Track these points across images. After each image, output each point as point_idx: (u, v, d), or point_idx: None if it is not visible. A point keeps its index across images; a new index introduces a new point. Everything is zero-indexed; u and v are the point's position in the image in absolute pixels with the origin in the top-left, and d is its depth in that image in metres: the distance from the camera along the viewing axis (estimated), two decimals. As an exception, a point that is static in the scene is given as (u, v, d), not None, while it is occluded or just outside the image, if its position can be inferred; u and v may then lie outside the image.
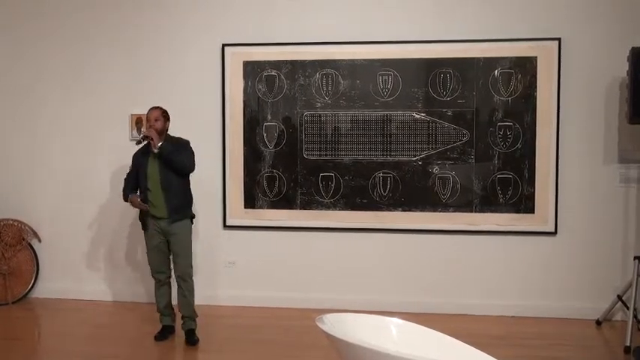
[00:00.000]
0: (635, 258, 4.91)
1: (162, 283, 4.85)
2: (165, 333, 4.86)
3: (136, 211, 5.63)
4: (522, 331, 5.02)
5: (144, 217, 4.79)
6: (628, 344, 4.52)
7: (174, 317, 4.92)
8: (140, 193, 4.76)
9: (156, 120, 4.67)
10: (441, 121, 5.42)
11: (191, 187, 4.92)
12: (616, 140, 5.27)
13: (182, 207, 4.79)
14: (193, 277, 4.89)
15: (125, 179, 4.93)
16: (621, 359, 4.44)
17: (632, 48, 4.81)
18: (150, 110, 4.75)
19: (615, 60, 5.08)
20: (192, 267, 4.85)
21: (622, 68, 4.97)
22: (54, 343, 5.00)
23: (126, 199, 4.84)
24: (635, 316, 4.75)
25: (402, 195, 5.50)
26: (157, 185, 4.69)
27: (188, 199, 4.88)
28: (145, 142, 4.68)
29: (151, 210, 4.71)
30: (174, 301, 4.92)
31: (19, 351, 4.71)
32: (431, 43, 5.40)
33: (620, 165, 5.28)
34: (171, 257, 4.85)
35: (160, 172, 4.69)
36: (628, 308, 4.82)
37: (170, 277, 4.88)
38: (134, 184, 4.85)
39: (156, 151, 4.60)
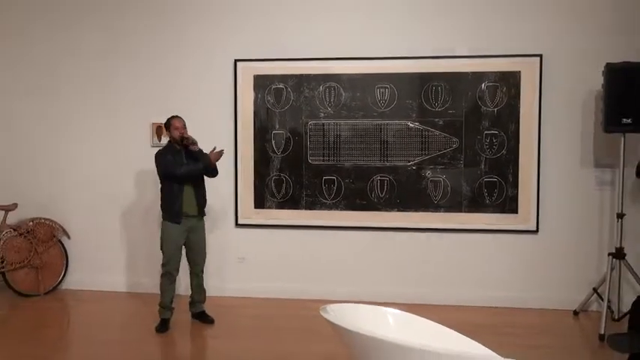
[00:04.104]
0: (609, 254, 4.94)
1: (173, 279, 4.79)
2: (165, 325, 4.78)
3: (156, 209, 5.70)
4: (506, 320, 5.04)
5: (179, 213, 4.69)
6: (602, 332, 4.54)
7: (173, 311, 4.89)
8: (171, 192, 4.71)
9: (183, 127, 4.75)
10: (433, 130, 5.43)
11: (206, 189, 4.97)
12: (592, 147, 5.28)
13: (205, 206, 4.89)
14: (207, 271, 5.00)
15: (167, 162, 4.68)
16: (596, 346, 4.45)
17: (607, 63, 4.82)
18: (174, 118, 4.77)
19: (591, 74, 5.08)
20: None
21: (597, 82, 4.97)
22: (81, 330, 5.02)
23: (180, 171, 4.64)
24: (608, 307, 4.76)
25: (397, 197, 5.51)
26: (190, 184, 4.74)
27: (206, 199, 4.93)
28: (182, 143, 4.73)
29: (185, 207, 4.72)
30: (187, 291, 5.02)
31: (49, 338, 4.74)
32: (424, 59, 5.41)
33: (596, 169, 5.29)
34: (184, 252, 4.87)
35: None
36: (602, 300, 4.84)
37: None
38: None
39: (197, 149, 4.71)
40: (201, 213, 4.84)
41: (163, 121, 5.68)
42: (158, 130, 5.78)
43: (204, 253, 4.93)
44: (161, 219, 4.86)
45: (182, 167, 4.68)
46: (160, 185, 4.84)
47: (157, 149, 5.59)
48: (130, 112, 5.84)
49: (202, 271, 4.94)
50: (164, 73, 5.79)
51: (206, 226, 4.98)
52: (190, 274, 4.95)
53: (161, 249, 4.80)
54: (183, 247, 4.84)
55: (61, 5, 5.90)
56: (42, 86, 5.97)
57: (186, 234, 4.77)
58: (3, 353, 4.38)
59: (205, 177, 4.88)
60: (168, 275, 4.77)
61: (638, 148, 4.99)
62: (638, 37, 5.14)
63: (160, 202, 4.85)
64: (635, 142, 5.04)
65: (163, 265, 4.78)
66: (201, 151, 4.80)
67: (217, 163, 4.84)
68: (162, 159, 4.73)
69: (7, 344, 4.56)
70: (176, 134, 4.73)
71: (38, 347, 4.47)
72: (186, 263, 4.94)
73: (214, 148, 4.83)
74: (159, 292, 4.84)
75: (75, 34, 5.89)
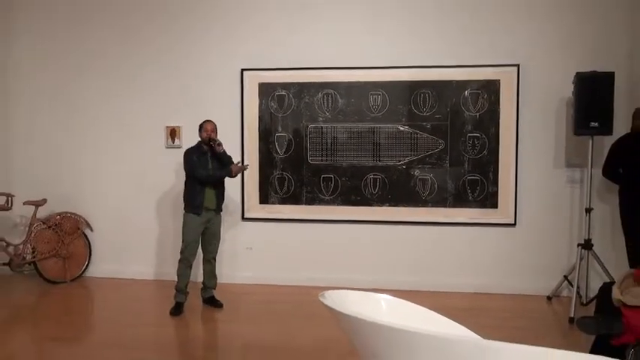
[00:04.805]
0: (578, 245, 4.98)
1: (189, 264, 4.85)
2: (180, 309, 4.82)
3: (169, 204, 5.73)
4: (487, 305, 5.07)
5: (200, 206, 4.76)
6: (572, 316, 4.57)
7: (187, 295, 4.92)
8: (194, 188, 4.76)
9: (212, 130, 4.79)
10: (421, 133, 5.47)
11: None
12: (564, 148, 5.32)
13: (223, 201, 4.94)
14: (216, 260, 5.02)
15: (193, 163, 4.72)
16: (567, 328, 4.48)
17: (577, 73, 4.87)
18: (207, 122, 4.82)
19: (563, 83, 5.11)
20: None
21: (569, 90, 5.02)
22: (103, 313, 5.06)
23: (201, 175, 4.69)
24: (578, 293, 4.82)
25: (389, 193, 5.54)
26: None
27: (224, 197, 4.99)
28: (208, 145, 4.78)
29: (206, 202, 4.78)
30: (200, 278, 5.07)
31: (75, 320, 4.79)
32: (413, 68, 5.44)
33: (567, 169, 5.32)
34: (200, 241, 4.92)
35: (213, 171, 4.81)
36: (572, 286, 4.89)
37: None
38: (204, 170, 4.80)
39: (221, 150, 4.76)
40: (219, 208, 4.89)
41: (177, 124, 5.79)
42: (172, 133, 5.81)
43: (218, 243, 4.97)
44: (183, 211, 4.87)
45: (203, 172, 4.74)
46: (184, 180, 4.89)
47: (170, 149, 5.66)
48: (147, 116, 5.86)
49: (214, 259, 4.97)
50: (177, 82, 5.81)
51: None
52: (203, 260, 4.99)
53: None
54: (201, 236, 4.90)
55: (86, 21, 5.94)
56: (69, 95, 6.01)
57: (204, 225, 4.83)
58: (34, 334, 4.44)
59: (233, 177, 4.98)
60: (185, 261, 4.83)
61: (604, 149, 5.02)
62: (604, 50, 5.18)
63: (182, 195, 4.89)
64: (602, 144, 5.08)
65: (181, 251, 4.84)
66: (224, 152, 4.84)
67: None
68: (189, 158, 4.80)
69: (37, 326, 4.62)
70: (204, 136, 4.80)
71: (65, 329, 4.52)
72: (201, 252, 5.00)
73: (239, 162, 4.91)
74: (174, 280, 4.89)
75: (99, 45, 5.93)
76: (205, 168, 4.78)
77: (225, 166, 4.85)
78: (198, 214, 4.78)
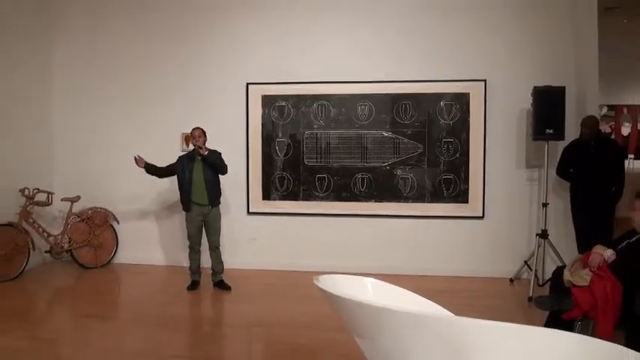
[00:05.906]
0: (536, 235, 5.00)
1: (195, 251, 4.92)
2: (195, 286, 4.96)
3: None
4: (459, 286, 5.07)
5: (188, 203, 4.81)
6: (530, 295, 4.62)
7: (201, 274, 5.03)
8: (182, 187, 4.81)
9: (199, 136, 4.76)
10: (403, 138, 5.48)
11: (223, 185, 5.01)
12: (524, 151, 5.35)
13: (217, 197, 4.89)
14: (226, 249, 5.03)
15: (166, 166, 4.96)
16: (526, 306, 4.51)
17: (534, 87, 4.89)
18: (194, 129, 4.82)
19: (523, 95, 5.12)
20: (219, 240, 4.98)
21: (528, 101, 5.04)
22: (129, 294, 5.09)
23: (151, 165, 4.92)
24: (535, 275, 4.84)
25: (374, 190, 5.55)
26: (201, 181, 4.78)
27: (220, 192, 4.95)
28: (196, 150, 4.76)
29: (195, 198, 4.78)
30: (207, 264, 5.06)
31: (106, 300, 4.81)
32: (396, 82, 5.45)
33: (527, 169, 5.35)
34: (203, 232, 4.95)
35: (203, 171, 4.78)
36: (531, 270, 4.92)
37: (201, 246, 4.96)
38: (165, 169, 4.93)
39: (205, 153, 4.68)
40: (212, 202, 4.83)
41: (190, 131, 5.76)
42: (186, 139, 5.81)
43: (217, 233, 4.92)
44: None
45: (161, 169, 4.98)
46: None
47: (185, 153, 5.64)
48: (165, 123, 5.85)
49: (217, 248, 4.93)
50: (192, 94, 5.80)
51: (224, 214, 5.01)
52: (209, 248, 4.98)
53: None
54: (204, 228, 4.92)
55: (116, 38, 5.93)
56: (100, 105, 5.99)
57: (200, 218, 4.84)
58: (72, 312, 4.49)
59: (223, 174, 4.94)
60: (192, 248, 4.94)
61: (558, 152, 5.05)
62: (557, 68, 5.20)
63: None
64: (556, 148, 5.11)
65: (188, 240, 4.93)
66: (209, 152, 4.75)
67: (233, 165, 4.96)
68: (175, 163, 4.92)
69: (74, 305, 4.67)
70: (192, 142, 4.82)
71: (97, 307, 4.55)
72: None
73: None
74: (186, 266, 5.01)
75: (127, 61, 5.91)
76: (189, 171, 4.79)
77: (213, 167, 4.80)
78: (187, 211, 4.84)
